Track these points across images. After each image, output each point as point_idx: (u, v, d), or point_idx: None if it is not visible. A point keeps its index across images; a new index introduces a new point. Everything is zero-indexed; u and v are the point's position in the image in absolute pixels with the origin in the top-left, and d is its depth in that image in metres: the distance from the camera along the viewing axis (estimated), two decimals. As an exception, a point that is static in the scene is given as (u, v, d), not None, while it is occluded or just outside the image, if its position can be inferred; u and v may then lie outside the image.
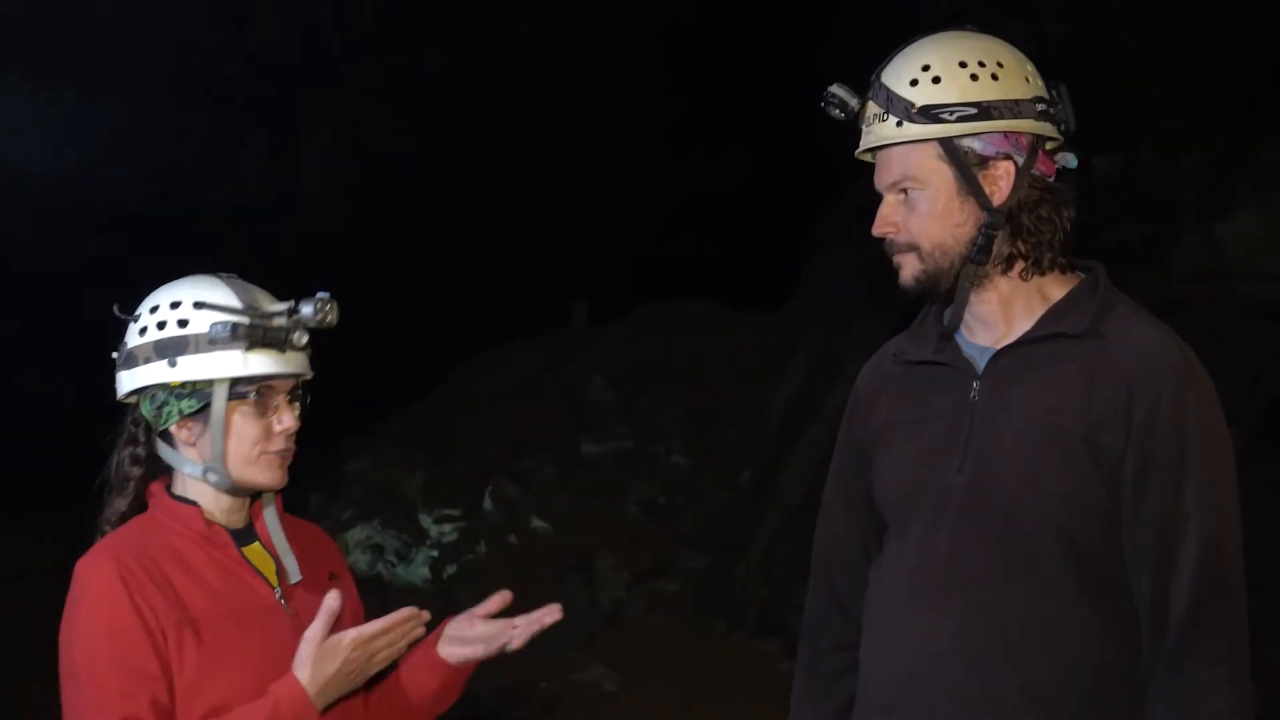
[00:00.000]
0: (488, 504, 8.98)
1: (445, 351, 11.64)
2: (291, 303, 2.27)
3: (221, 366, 2.22)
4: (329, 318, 2.26)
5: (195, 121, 11.19)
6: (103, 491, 2.37)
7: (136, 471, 2.35)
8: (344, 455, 10.33)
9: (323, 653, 2.20)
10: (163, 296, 2.29)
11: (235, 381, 2.24)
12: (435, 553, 8.71)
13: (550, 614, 2.49)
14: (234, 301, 2.25)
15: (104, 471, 2.36)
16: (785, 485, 7.86)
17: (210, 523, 2.31)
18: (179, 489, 2.33)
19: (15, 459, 10.18)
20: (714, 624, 7.72)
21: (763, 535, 7.91)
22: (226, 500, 2.33)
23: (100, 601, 2.18)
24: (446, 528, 8.94)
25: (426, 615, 2.29)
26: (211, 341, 2.21)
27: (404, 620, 2.24)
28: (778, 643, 7.21)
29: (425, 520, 9.08)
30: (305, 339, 2.26)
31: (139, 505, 2.35)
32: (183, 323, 2.24)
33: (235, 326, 2.20)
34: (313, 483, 10.10)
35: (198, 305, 2.24)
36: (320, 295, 2.27)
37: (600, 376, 10.35)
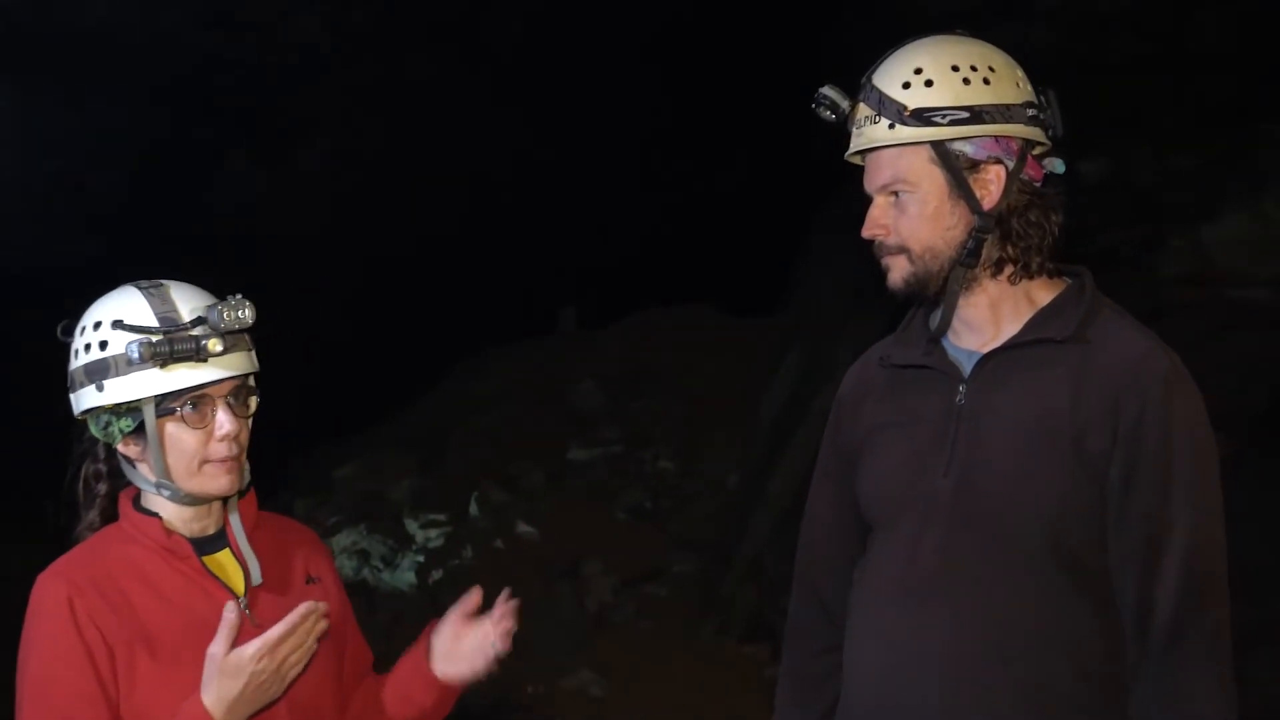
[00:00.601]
0: (474, 509, 8.96)
1: (434, 356, 11.62)
2: (201, 311, 2.23)
3: (142, 386, 2.19)
4: (239, 317, 2.21)
5: (187, 125, 11.17)
6: (70, 506, 2.36)
7: (103, 488, 2.34)
8: (331, 460, 10.30)
9: (226, 669, 2.13)
10: (89, 317, 2.27)
11: (161, 398, 2.21)
12: (421, 558, 8.69)
13: (507, 615, 2.47)
14: (149, 317, 2.21)
15: (67, 488, 2.35)
16: (774, 489, 7.85)
17: (170, 533, 2.28)
18: (144, 500, 2.31)
19: (8, 461, 10.13)
20: (703, 628, 7.71)
21: (752, 539, 7.90)
22: (189, 510, 2.30)
23: (47, 624, 2.19)
24: (433, 533, 8.92)
25: (324, 607, 2.22)
26: (129, 362, 2.19)
27: (305, 618, 2.17)
28: (767, 647, 7.20)
29: (411, 525, 9.06)
30: (221, 346, 2.20)
31: (111, 515, 2.34)
32: (103, 344, 2.22)
33: (142, 346, 2.16)
34: (300, 488, 10.08)
35: (115, 325, 2.21)
36: (229, 298, 2.24)
37: (589, 381, 10.34)
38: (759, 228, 12.14)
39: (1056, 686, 2.16)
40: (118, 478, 2.34)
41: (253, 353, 2.30)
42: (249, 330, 2.27)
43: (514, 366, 11.17)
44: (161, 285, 2.28)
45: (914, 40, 2.26)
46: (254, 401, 2.33)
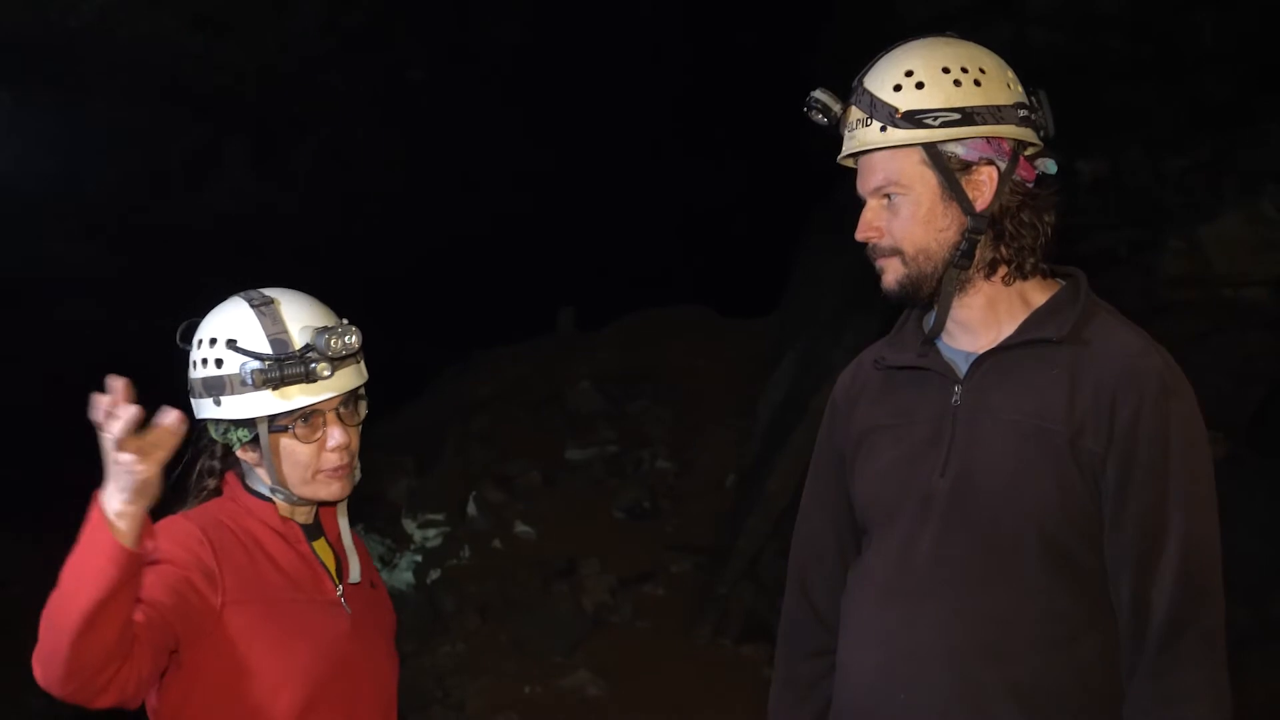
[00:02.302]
0: (472, 509, 8.96)
1: (432, 356, 11.62)
2: (310, 337, 2.32)
3: (256, 406, 2.30)
4: (347, 344, 2.32)
5: (180, 128, 11.15)
6: (178, 491, 2.43)
7: (212, 483, 2.44)
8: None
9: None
10: (205, 330, 2.37)
11: (274, 416, 2.32)
12: (419, 558, 8.68)
13: None
14: (260, 341, 2.31)
15: (181, 477, 2.43)
16: (772, 489, 7.85)
17: (285, 519, 2.40)
18: (253, 484, 2.42)
19: (6, 461, 10.12)
20: (700, 628, 7.71)
21: (749, 539, 7.90)
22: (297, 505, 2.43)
23: (173, 533, 2.24)
24: (431, 533, 8.91)
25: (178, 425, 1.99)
26: (243, 383, 2.29)
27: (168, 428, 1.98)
28: (764, 647, 7.20)
29: (409, 525, 9.06)
30: (329, 370, 2.31)
31: (215, 495, 2.44)
32: (219, 362, 2.32)
33: (254, 373, 2.27)
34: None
35: (229, 345, 2.31)
36: (335, 326, 2.34)
37: (587, 382, 10.34)
38: (755, 229, 12.15)
39: (1051, 685, 2.16)
40: (228, 465, 2.44)
41: (362, 364, 2.41)
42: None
43: (512, 366, 11.17)
44: (272, 302, 2.36)
45: (904, 43, 2.27)
46: (363, 408, 2.44)
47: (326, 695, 2.33)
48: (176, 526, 2.27)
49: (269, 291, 2.39)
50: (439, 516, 9.07)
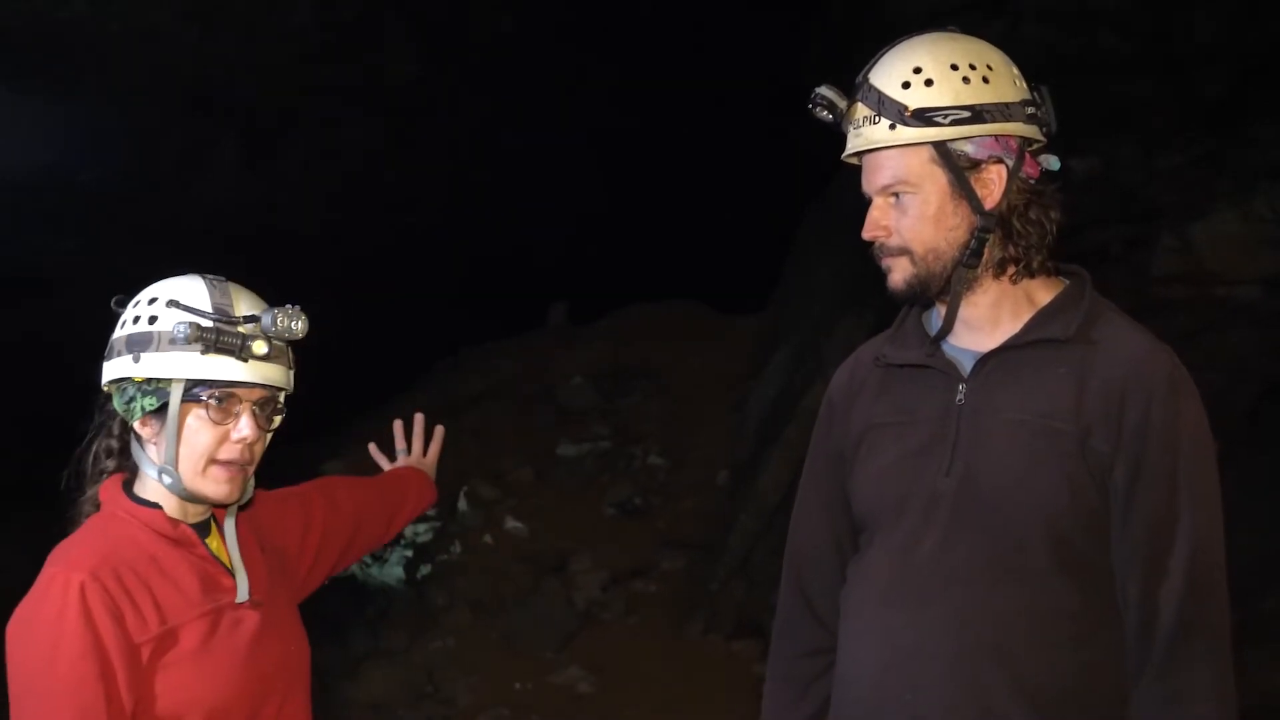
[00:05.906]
0: (463, 504, 8.96)
1: (424, 350, 11.60)
2: (256, 311, 2.24)
3: (177, 366, 2.19)
4: (291, 328, 2.23)
5: (171, 121, 11.12)
6: (73, 479, 2.33)
7: (110, 464, 2.32)
8: (319, 456, 10.28)
9: None
10: (146, 292, 2.28)
11: (192, 384, 2.21)
12: (410, 553, 8.67)
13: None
14: (204, 303, 2.23)
15: (76, 460, 2.33)
16: (763, 486, 7.85)
17: (175, 522, 2.27)
18: (139, 489, 2.29)
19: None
20: (691, 625, 7.71)
21: (740, 536, 7.90)
22: (186, 504, 2.29)
23: (62, 622, 2.10)
24: (422, 528, 8.90)
25: None
26: (172, 341, 2.19)
27: None
28: (755, 644, 7.20)
29: (400, 520, 9.06)
30: (266, 349, 2.21)
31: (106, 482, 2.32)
32: (153, 319, 2.22)
33: (190, 327, 2.16)
34: (287, 482, 9.99)
35: (169, 303, 2.22)
36: (285, 306, 2.24)
37: (579, 377, 10.33)
38: (748, 225, 12.14)
39: (1059, 685, 2.15)
40: (124, 457, 2.32)
41: (292, 372, 2.31)
42: (295, 349, 2.30)
43: (504, 362, 11.15)
44: (225, 281, 2.29)
45: (908, 38, 2.24)
46: (278, 420, 2.33)
47: (254, 703, 2.25)
48: (58, 600, 2.10)
49: (226, 279, 2.32)
50: (430, 511, 9.06)
